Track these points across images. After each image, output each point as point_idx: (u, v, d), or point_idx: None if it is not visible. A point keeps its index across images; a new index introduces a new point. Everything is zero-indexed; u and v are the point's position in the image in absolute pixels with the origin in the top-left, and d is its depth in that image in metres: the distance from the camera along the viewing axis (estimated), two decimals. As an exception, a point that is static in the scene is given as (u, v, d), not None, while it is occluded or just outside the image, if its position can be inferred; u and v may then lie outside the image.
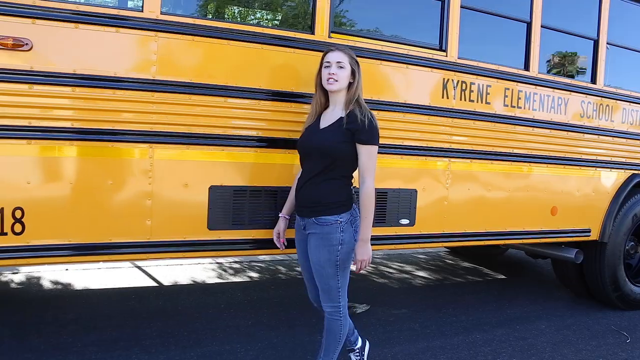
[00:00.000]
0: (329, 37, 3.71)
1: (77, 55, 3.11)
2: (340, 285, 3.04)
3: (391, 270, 6.46)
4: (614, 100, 4.97)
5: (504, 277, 6.47)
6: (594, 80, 4.86)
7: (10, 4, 2.95)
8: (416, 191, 4.10)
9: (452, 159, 4.22)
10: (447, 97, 4.16)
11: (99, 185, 3.21)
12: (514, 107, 4.46)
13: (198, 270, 6.03)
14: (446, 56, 4.14)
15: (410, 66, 4.00)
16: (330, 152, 2.94)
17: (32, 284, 5.25)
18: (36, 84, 3.02)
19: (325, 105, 3.13)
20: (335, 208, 2.96)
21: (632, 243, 5.30)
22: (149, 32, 3.25)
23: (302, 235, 3.14)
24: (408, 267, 6.63)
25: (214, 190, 3.47)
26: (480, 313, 5.07)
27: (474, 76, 4.25)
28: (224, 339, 4.16)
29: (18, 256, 3.11)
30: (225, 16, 4.11)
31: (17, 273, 5.53)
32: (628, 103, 5.06)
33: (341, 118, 2.99)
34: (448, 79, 4.15)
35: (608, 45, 4.89)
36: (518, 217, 4.55)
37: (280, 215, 3.34)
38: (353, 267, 3.10)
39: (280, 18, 4.03)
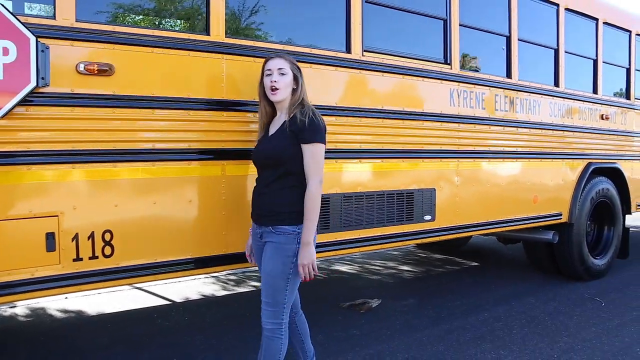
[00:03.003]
0: (362, 55, 3.93)
1: (154, 79, 3.10)
2: (286, 301, 2.83)
3: (377, 267, 6.74)
4: (573, 101, 5.59)
5: (476, 264, 6.96)
6: (557, 84, 5.45)
7: (93, 31, 2.90)
8: (435, 190, 4.40)
9: (460, 160, 4.57)
10: (454, 105, 4.51)
11: (180, 203, 3.21)
12: (503, 110, 4.90)
13: (199, 284, 5.95)
14: (451, 69, 4.49)
15: (425, 79, 4.31)
16: (279, 158, 2.79)
17: (40, 314, 4.95)
18: (118, 108, 2.98)
19: (273, 114, 3.00)
20: (294, 218, 2.78)
21: (589, 222, 5.93)
22: (217, 55, 3.29)
23: (259, 244, 2.95)
24: (390, 263, 6.94)
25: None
26: (476, 296, 5.48)
27: (472, 85, 4.64)
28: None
29: (108, 278, 3.04)
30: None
31: (15, 307, 5.17)
32: (583, 102, 5.71)
33: (284, 122, 2.86)
34: (453, 89, 4.50)
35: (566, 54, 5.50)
36: (510, 207, 5.02)
37: (250, 230, 3.11)
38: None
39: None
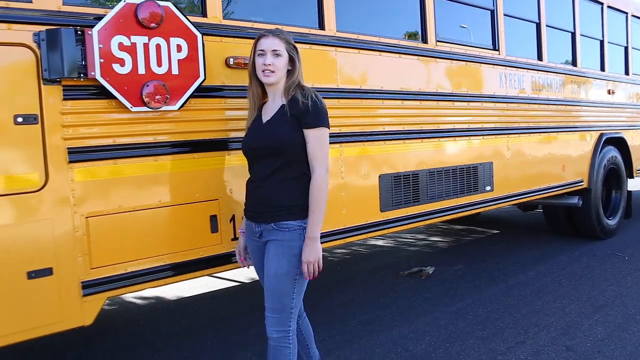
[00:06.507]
0: (436, 45, 4.18)
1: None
2: (294, 304, 2.49)
3: (410, 240, 7.05)
4: (587, 78, 6.04)
5: (497, 231, 7.36)
6: (575, 63, 5.87)
7: (237, 27, 3.03)
8: (492, 163, 4.72)
9: (510, 135, 4.91)
10: (503, 87, 4.83)
11: (333, 180, 3.47)
12: (539, 90, 5.27)
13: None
14: (499, 54, 4.80)
15: (482, 65, 4.61)
16: (280, 146, 2.44)
17: (121, 303, 5.00)
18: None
19: (264, 98, 2.64)
20: (298, 212, 2.45)
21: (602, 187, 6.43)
22: (330, 47, 3.47)
23: (258, 244, 2.59)
24: (420, 236, 7.26)
25: (382, 178, 3.79)
26: (514, 258, 5.87)
27: (516, 69, 4.98)
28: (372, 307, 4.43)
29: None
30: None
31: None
32: (595, 79, 6.17)
33: (283, 106, 2.50)
34: (502, 73, 4.82)
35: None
36: (547, 176, 5.42)
37: (239, 230, 2.83)
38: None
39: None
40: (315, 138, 2.45)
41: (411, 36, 4.15)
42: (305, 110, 2.42)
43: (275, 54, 2.48)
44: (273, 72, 2.47)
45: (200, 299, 5.01)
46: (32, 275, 2.44)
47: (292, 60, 2.54)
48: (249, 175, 2.63)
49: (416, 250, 6.55)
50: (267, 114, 2.56)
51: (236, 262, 3.08)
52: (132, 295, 5.14)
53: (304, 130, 2.44)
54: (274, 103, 2.56)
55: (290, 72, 2.54)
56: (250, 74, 2.62)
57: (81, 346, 3.94)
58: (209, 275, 5.44)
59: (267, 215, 2.48)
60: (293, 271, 2.43)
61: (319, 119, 2.46)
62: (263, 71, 2.49)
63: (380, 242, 6.92)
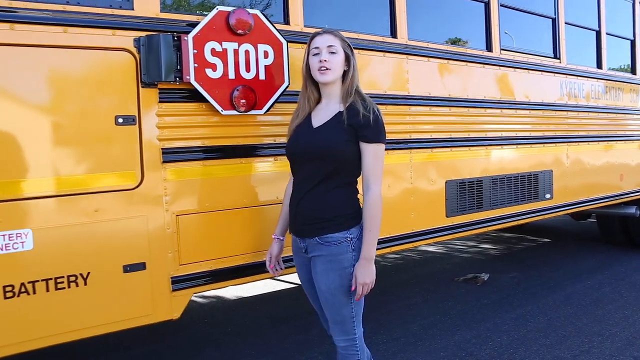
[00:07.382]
0: (500, 53, 4.16)
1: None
2: (355, 313, 2.34)
3: (461, 247, 7.00)
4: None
5: (548, 240, 7.24)
6: (634, 71, 5.76)
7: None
8: (552, 171, 4.65)
9: (569, 143, 4.83)
10: (562, 95, 4.77)
11: (402, 185, 3.51)
12: (598, 98, 5.18)
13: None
14: (560, 62, 4.74)
15: (543, 73, 4.55)
16: (333, 155, 2.27)
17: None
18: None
19: (318, 100, 2.45)
20: (343, 223, 2.28)
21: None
22: (402, 55, 3.49)
23: (304, 259, 2.45)
24: (470, 242, 7.19)
25: (448, 184, 3.78)
26: (569, 267, 5.77)
27: (576, 77, 4.90)
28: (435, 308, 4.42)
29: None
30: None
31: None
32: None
33: (340, 113, 2.32)
34: (562, 81, 4.76)
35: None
36: (605, 185, 5.29)
37: (273, 236, 2.64)
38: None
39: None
40: (373, 154, 2.29)
41: (454, 42, 4.12)
42: (366, 123, 2.26)
43: (331, 51, 2.32)
44: (329, 69, 2.30)
45: (260, 300, 5.07)
46: (128, 269, 2.53)
47: (347, 60, 2.37)
48: (292, 184, 2.49)
49: (468, 257, 6.49)
50: (319, 118, 2.38)
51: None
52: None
53: (362, 144, 2.29)
54: (328, 108, 2.38)
55: (346, 73, 2.37)
56: (304, 76, 2.43)
57: (148, 342, 4.03)
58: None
59: (310, 229, 2.32)
60: (346, 283, 2.28)
61: (379, 134, 2.31)
62: (319, 69, 2.31)
63: (431, 248, 6.88)
